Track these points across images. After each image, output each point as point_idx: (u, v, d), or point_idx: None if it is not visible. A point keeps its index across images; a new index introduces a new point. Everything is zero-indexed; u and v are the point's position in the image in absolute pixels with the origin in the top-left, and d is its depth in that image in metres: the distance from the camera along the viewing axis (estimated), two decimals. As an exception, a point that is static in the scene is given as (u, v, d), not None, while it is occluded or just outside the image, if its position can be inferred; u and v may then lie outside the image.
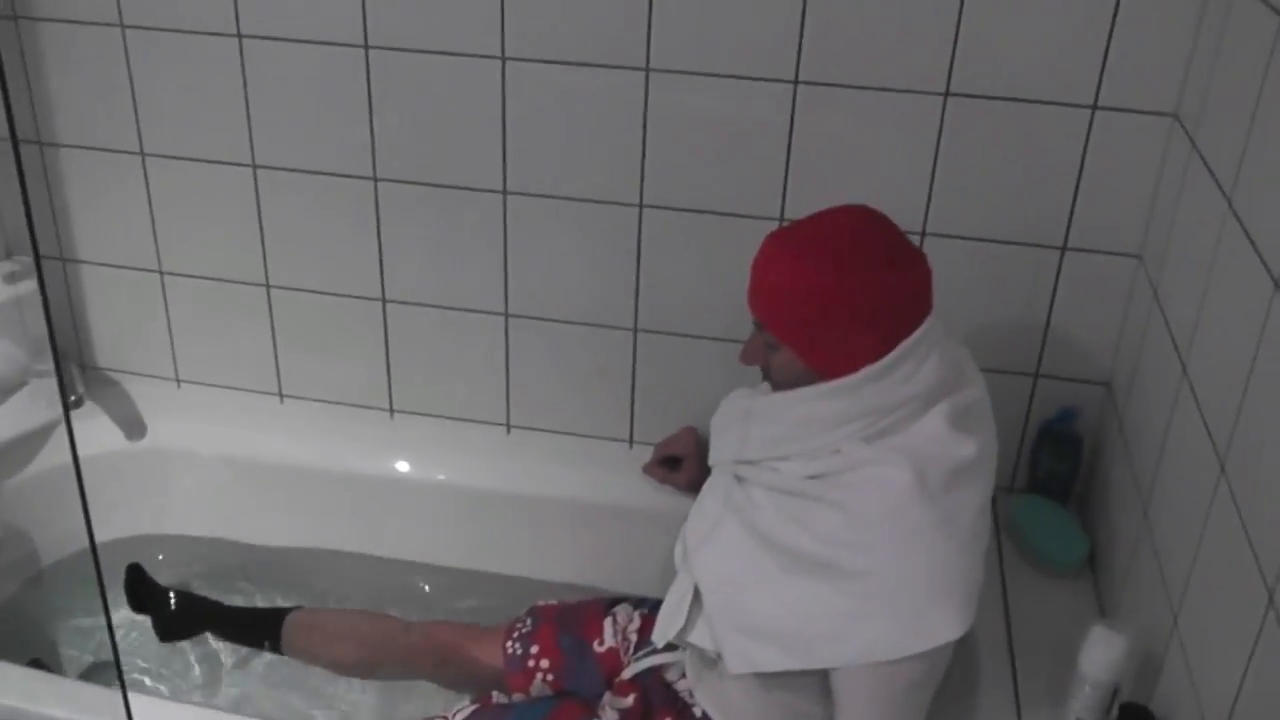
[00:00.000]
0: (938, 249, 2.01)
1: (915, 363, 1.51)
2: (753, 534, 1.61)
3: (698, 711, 1.74)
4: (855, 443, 1.53)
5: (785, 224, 1.60)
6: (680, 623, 1.68)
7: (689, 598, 1.68)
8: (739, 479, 1.66)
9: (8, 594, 2.34)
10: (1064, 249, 1.99)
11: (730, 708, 1.70)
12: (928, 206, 1.99)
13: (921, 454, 1.49)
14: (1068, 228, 1.97)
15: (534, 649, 1.95)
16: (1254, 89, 1.49)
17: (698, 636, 1.67)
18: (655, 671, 1.81)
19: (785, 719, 1.65)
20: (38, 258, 2.41)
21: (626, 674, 1.84)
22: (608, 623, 1.94)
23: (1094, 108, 1.87)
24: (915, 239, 2.00)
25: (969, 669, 1.88)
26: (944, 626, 1.47)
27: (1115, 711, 1.57)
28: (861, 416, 1.52)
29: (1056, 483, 2.12)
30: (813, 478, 1.55)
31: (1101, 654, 1.58)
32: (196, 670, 2.31)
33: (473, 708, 1.89)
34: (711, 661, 1.68)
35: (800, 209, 1.99)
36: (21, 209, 1.55)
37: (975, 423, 1.56)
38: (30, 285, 2.31)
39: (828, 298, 1.50)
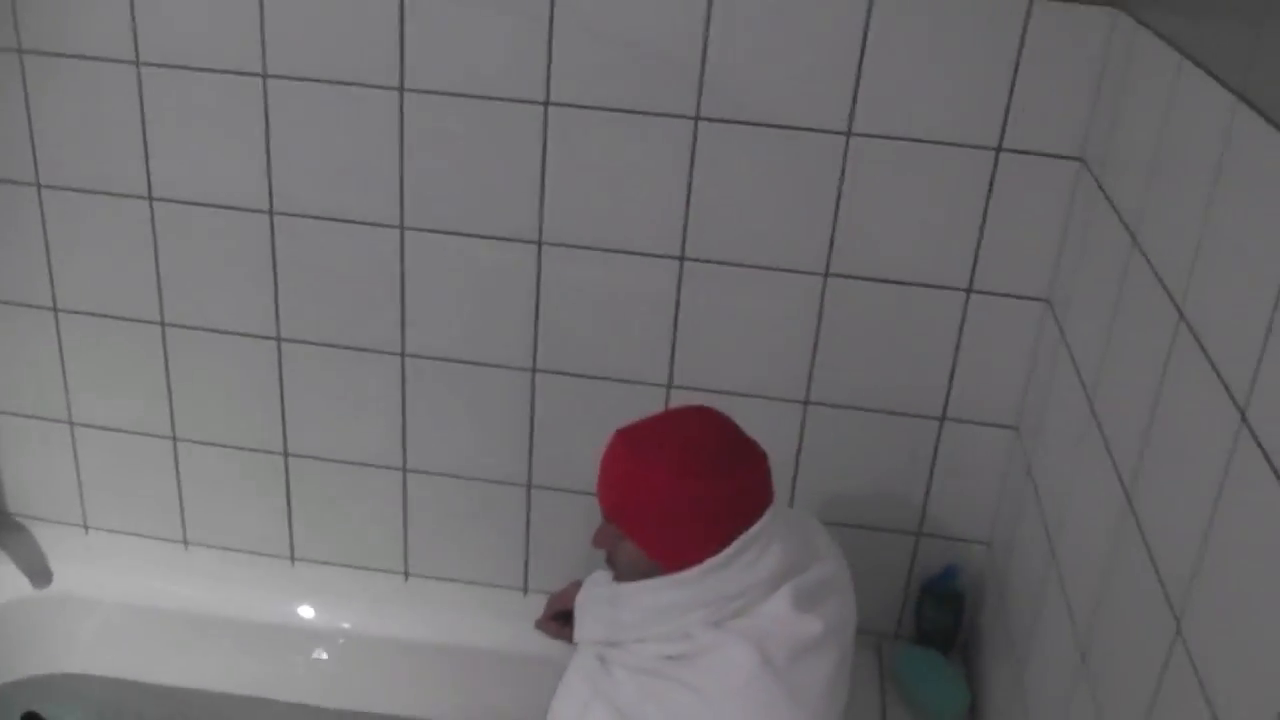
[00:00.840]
0: (823, 416, 2.12)
1: (756, 552, 1.61)
2: (615, 713, 1.68)
3: None
4: (704, 627, 1.61)
5: (632, 422, 1.69)
6: None
7: None
8: (601, 659, 1.74)
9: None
10: (943, 419, 2.09)
11: None
12: (810, 376, 2.10)
13: (765, 634, 1.58)
14: (946, 400, 2.08)
15: None
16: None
17: None
18: None
19: None
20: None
21: None
22: None
23: (969, 290, 1.99)
24: (798, 407, 2.11)
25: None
26: None
27: None
28: (706, 605, 1.61)
29: (940, 634, 2.22)
30: (668, 658, 1.63)
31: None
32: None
33: None
34: None
35: (687, 375, 2.11)
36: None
37: (823, 600, 1.65)
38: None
39: (666, 497, 1.60)
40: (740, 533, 1.60)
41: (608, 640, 1.73)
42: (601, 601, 1.75)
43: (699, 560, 1.61)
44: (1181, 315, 1.33)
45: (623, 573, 1.71)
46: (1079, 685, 1.54)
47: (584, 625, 1.80)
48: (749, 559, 1.60)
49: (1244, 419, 1.11)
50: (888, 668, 2.23)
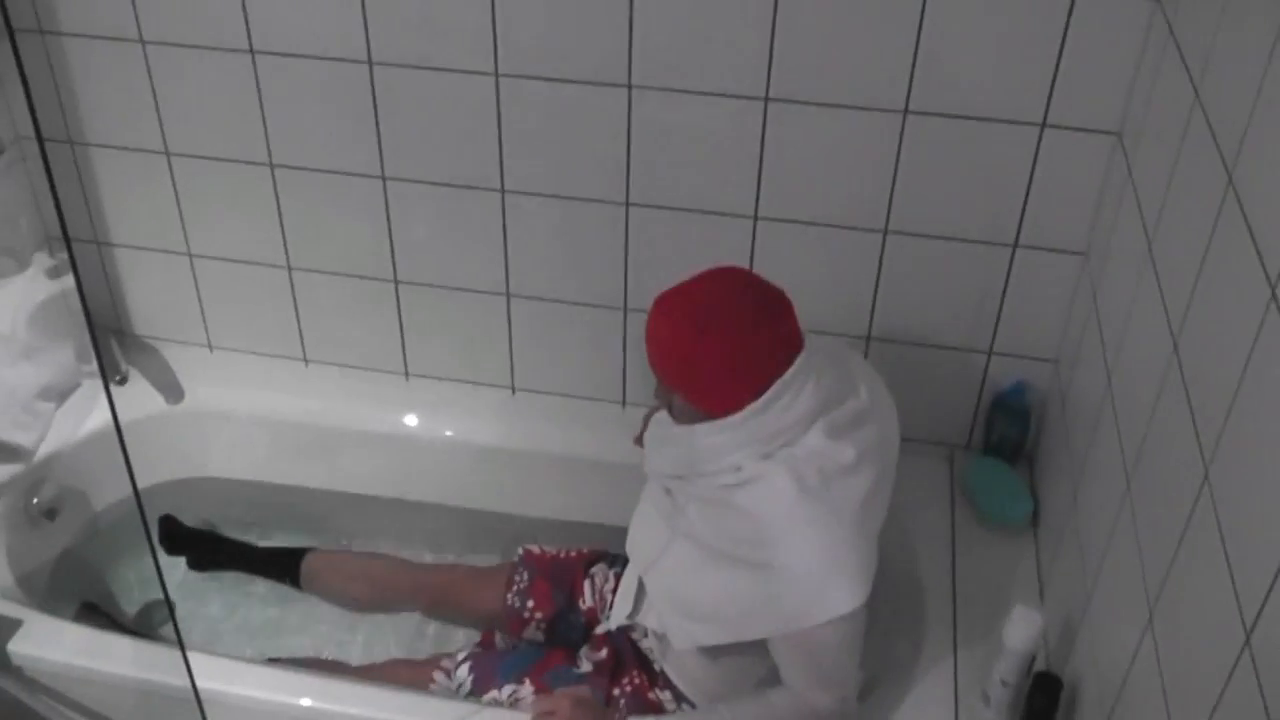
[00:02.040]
0: (901, 244, 2.29)
1: (792, 395, 1.82)
2: (681, 535, 1.96)
3: (657, 668, 2.12)
4: (753, 460, 1.85)
5: (669, 289, 1.89)
6: (629, 608, 2.11)
7: (634, 588, 2.10)
8: (667, 490, 2.01)
9: (65, 545, 2.66)
10: (1015, 245, 2.25)
11: (685, 667, 2.07)
12: (889, 207, 2.26)
13: (803, 462, 1.82)
14: (1019, 228, 2.23)
15: (530, 603, 2.31)
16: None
17: (645, 618, 2.09)
18: (624, 630, 2.17)
19: (731, 673, 2.02)
20: (67, 239, 2.68)
21: (600, 629, 2.19)
22: (587, 584, 2.30)
23: (1043, 125, 2.12)
24: (878, 236, 2.28)
25: (915, 614, 2.23)
26: (841, 601, 1.79)
27: (1031, 678, 1.90)
28: (751, 443, 1.84)
29: (1008, 446, 2.43)
30: (724, 487, 1.88)
31: (1021, 630, 1.90)
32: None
33: (473, 649, 2.29)
34: None
35: (773, 208, 2.28)
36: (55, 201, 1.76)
37: (857, 429, 1.87)
38: (71, 280, 2.61)
39: (702, 355, 1.82)
40: (775, 379, 1.82)
41: (672, 475, 1.99)
42: (663, 442, 2.00)
43: (740, 406, 1.83)
44: (1230, 179, 1.47)
45: (679, 419, 1.95)
46: (1123, 508, 1.75)
47: (651, 460, 2.05)
48: (785, 402, 1.82)
49: (1274, 294, 1.27)
50: (958, 476, 2.46)
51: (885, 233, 2.29)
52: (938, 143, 2.17)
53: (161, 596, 2.66)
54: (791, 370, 1.82)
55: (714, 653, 1.99)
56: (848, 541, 1.81)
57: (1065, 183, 2.17)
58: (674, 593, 1.99)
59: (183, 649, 1.92)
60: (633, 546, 2.12)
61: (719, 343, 1.81)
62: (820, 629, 1.81)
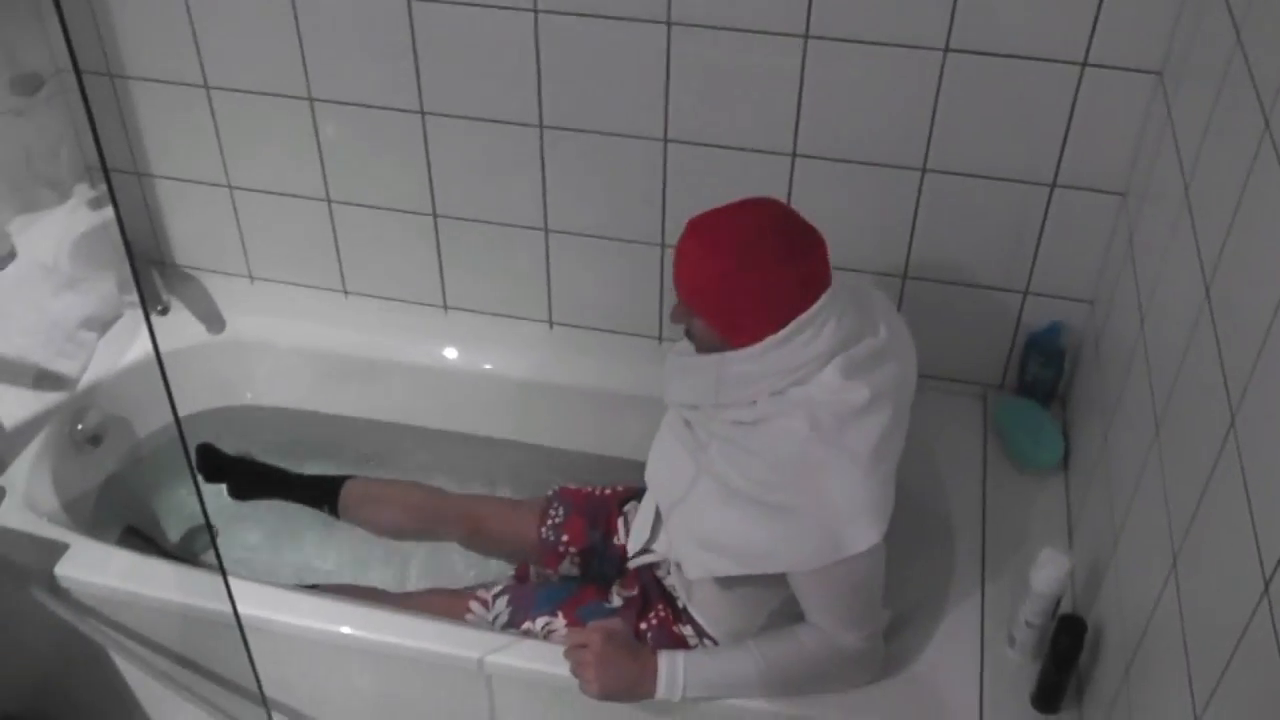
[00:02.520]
0: (939, 182, 2.29)
1: (813, 331, 1.84)
2: (700, 468, 2.00)
3: (680, 604, 2.16)
4: (767, 395, 1.88)
5: (703, 213, 1.89)
6: (645, 536, 2.17)
7: (652, 515, 2.15)
8: (686, 422, 2.04)
9: (110, 472, 2.73)
10: (1053, 185, 2.25)
11: (703, 600, 2.11)
12: (928, 144, 2.26)
13: (816, 403, 1.84)
14: (1057, 167, 2.23)
15: (565, 537, 2.35)
16: None
17: (659, 546, 2.15)
18: (649, 567, 2.22)
19: (745, 604, 2.06)
20: (106, 170, 2.72)
21: (629, 565, 2.24)
22: (620, 521, 2.33)
23: (1084, 64, 2.11)
24: (916, 174, 2.28)
25: (944, 554, 2.26)
26: (858, 539, 1.83)
27: (1056, 621, 1.93)
28: (768, 376, 1.86)
29: (1041, 387, 2.45)
30: (738, 424, 1.91)
31: (1048, 573, 1.94)
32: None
33: (509, 583, 2.34)
34: None
35: (812, 145, 2.29)
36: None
37: (874, 369, 1.89)
38: (112, 211, 2.66)
39: (730, 282, 1.83)
40: (798, 314, 1.84)
41: (689, 404, 2.01)
42: (681, 370, 2.02)
43: (760, 338, 1.85)
44: (1267, 124, 1.47)
45: (698, 345, 1.97)
46: (1151, 454, 1.77)
47: (670, 389, 2.07)
48: (806, 337, 1.84)
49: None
50: (991, 416, 2.48)
51: (923, 171, 2.29)
52: (977, 81, 2.17)
53: (204, 522, 2.73)
54: (815, 307, 1.84)
55: (728, 583, 2.03)
56: (863, 482, 1.84)
57: (1105, 122, 2.16)
58: (694, 526, 2.02)
59: (224, 575, 1.97)
60: (653, 477, 2.16)
61: (749, 273, 1.82)
62: (839, 566, 1.84)
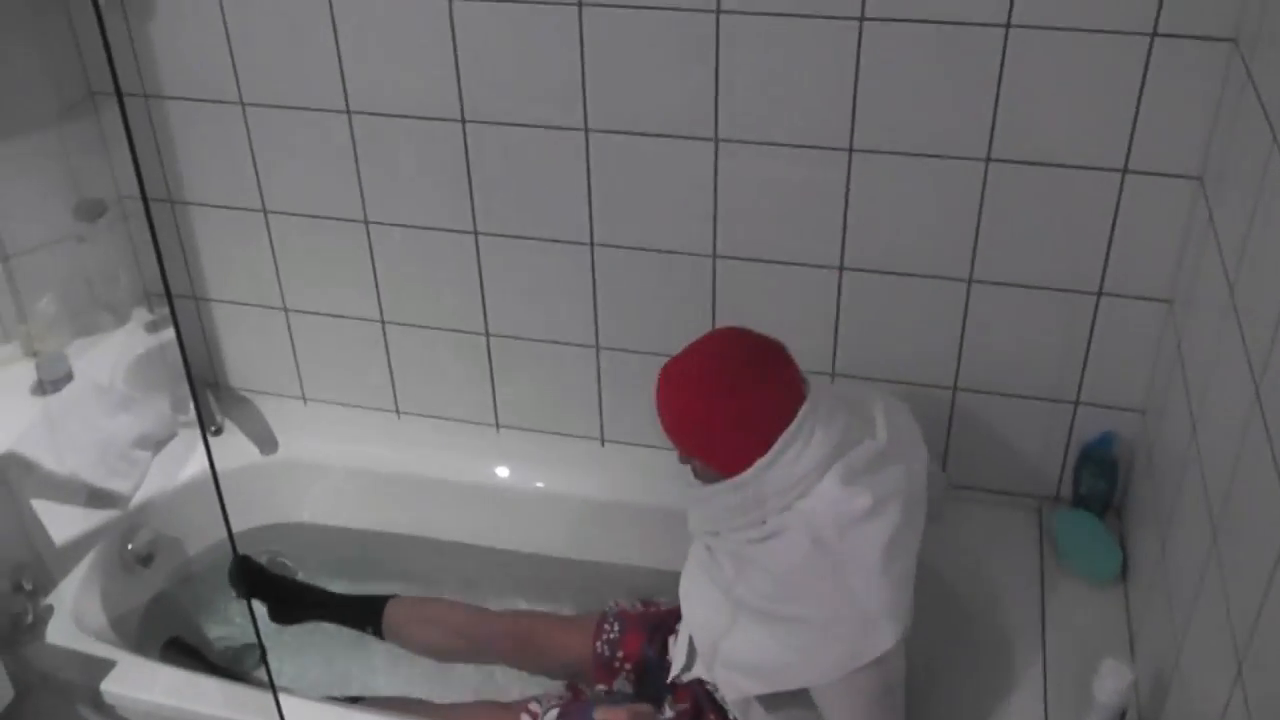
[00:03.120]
0: (986, 294, 2.32)
1: (801, 443, 1.87)
2: (720, 592, 2.03)
3: (732, 717, 2.15)
4: (775, 512, 1.90)
5: (671, 358, 1.97)
6: (682, 661, 2.20)
7: (687, 641, 2.18)
8: (708, 548, 2.08)
9: (157, 590, 2.75)
10: (1100, 294, 2.27)
11: (751, 716, 2.10)
12: (973, 255, 2.29)
13: (818, 513, 1.86)
14: (1103, 275, 2.25)
15: (620, 653, 2.35)
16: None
17: (698, 670, 2.16)
18: (701, 682, 2.21)
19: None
20: (169, 294, 2.79)
21: (682, 680, 2.24)
22: (672, 639, 2.33)
23: (1124, 171, 2.14)
24: (962, 285, 2.31)
25: (1004, 668, 2.23)
26: (873, 643, 1.83)
27: (1122, 733, 1.91)
28: (768, 497, 1.90)
29: (1096, 498, 2.43)
30: (751, 542, 1.94)
31: (1111, 684, 1.91)
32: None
33: (561, 696, 2.33)
34: None
35: (858, 258, 2.33)
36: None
37: (876, 471, 1.91)
38: (169, 334, 2.72)
39: (706, 417, 1.90)
40: (781, 431, 1.87)
41: (707, 531, 2.05)
42: (692, 502, 2.07)
43: (752, 462, 1.89)
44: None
45: (702, 480, 2.02)
46: (1210, 560, 1.75)
47: (690, 519, 2.12)
48: (795, 451, 1.87)
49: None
50: (1046, 529, 2.47)
51: (970, 282, 2.32)
52: (1020, 190, 2.20)
53: (251, 641, 2.75)
54: (797, 420, 1.88)
55: (771, 702, 2.03)
56: (874, 586, 1.84)
57: (1148, 228, 2.19)
58: (714, 645, 2.05)
59: (274, 690, 1.98)
60: (686, 606, 2.18)
61: (721, 403, 1.88)
62: (857, 675, 1.84)
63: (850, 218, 2.31)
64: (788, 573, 1.89)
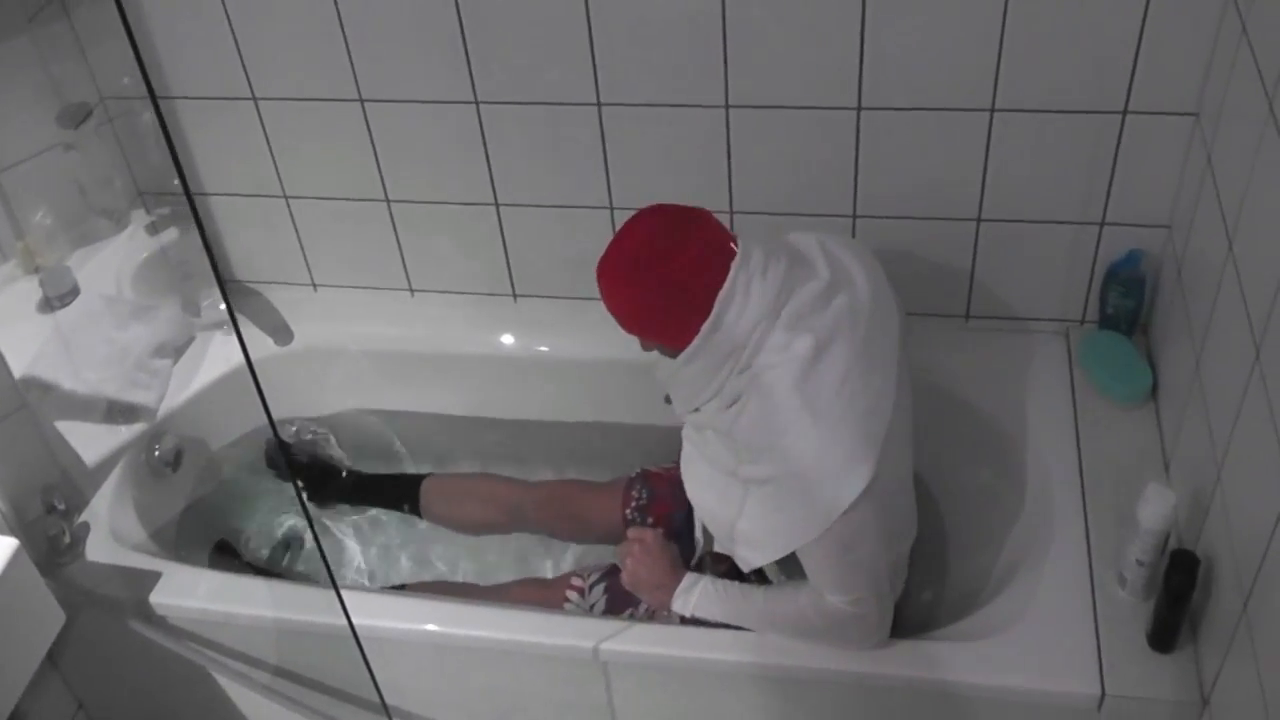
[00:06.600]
0: (1008, 121, 2.30)
1: (741, 299, 1.87)
2: (710, 466, 2.08)
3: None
4: (734, 376, 1.92)
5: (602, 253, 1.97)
6: (702, 541, 2.27)
7: (702, 528, 2.25)
8: (695, 425, 2.11)
9: (190, 495, 2.78)
10: (1125, 112, 2.25)
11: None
12: (995, 81, 2.26)
13: (771, 369, 1.87)
14: (1128, 92, 2.22)
15: (650, 520, 2.40)
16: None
17: (719, 546, 2.17)
18: None
19: None
20: (186, 188, 2.76)
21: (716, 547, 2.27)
22: None
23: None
24: (985, 115, 2.29)
25: (1044, 498, 2.27)
26: (841, 493, 1.84)
27: (1167, 557, 1.95)
28: (723, 362, 1.91)
29: (1124, 318, 2.45)
30: (723, 410, 1.95)
31: (1156, 508, 1.95)
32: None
33: (605, 569, 2.36)
34: None
35: (877, 96, 2.32)
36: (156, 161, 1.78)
37: (818, 312, 1.91)
38: (171, 234, 2.70)
39: (638, 302, 1.91)
40: (715, 293, 1.87)
41: (690, 411, 2.06)
42: (663, 386, 2.08)
43: (698, 329, 1.89)
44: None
45: (664, 361, 2.01)
46: (1254, 377, 1.76)
47: (674, 404, 2.11)
48: (735, 311, 1.87)
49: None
50: (1075, 352, 2.49)
51: (993, 110, 2.30)
52: (1043, 12, 2.17)
53: (281, 538, 2.84)
54: (730, 278, 1.87)
55: (786, 568, 2.08)
56: (829, 433, 1.85)
57: (1176, 43, 2.16)
58: (717, 522, 2.10)
59: (335, 586, 1.98)
60: (690, 490, 2.21)
61: (650, 279, 1.88)
62: (834, 528, 1.86)
63: (866, 53, 2.27)
64: (750, 434, 1.90)
